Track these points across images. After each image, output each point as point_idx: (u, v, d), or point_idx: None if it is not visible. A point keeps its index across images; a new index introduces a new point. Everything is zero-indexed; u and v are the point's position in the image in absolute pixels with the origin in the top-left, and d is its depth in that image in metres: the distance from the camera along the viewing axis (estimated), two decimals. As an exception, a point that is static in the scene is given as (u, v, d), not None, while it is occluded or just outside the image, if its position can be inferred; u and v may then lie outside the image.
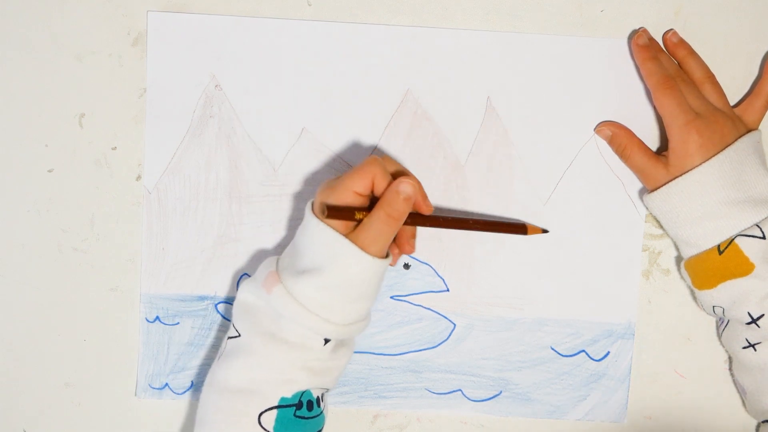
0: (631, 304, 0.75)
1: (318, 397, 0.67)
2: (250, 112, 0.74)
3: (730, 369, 0.75)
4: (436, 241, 0.74)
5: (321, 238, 0.64)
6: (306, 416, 0.66)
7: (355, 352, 0.75)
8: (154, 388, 0.75)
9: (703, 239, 0.70)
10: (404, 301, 0.75)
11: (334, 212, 0.64)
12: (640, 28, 0.73)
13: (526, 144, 0.74)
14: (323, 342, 0.65)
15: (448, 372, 0.75)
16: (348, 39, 0.73)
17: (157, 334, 0.75)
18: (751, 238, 0.68)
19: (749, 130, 0.71)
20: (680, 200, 0.69)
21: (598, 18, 0.74)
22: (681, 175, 0.69)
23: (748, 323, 0.70)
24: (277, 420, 0.65)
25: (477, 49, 0.73)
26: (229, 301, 0.74)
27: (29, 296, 0.74)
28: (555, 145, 0.74)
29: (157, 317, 0.75)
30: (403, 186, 0.64)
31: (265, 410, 0.64)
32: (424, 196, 0.67)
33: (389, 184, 0.65)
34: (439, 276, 0.75)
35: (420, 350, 0.75)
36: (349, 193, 0.64)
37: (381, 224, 0.64)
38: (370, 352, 0.75)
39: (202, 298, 0.75)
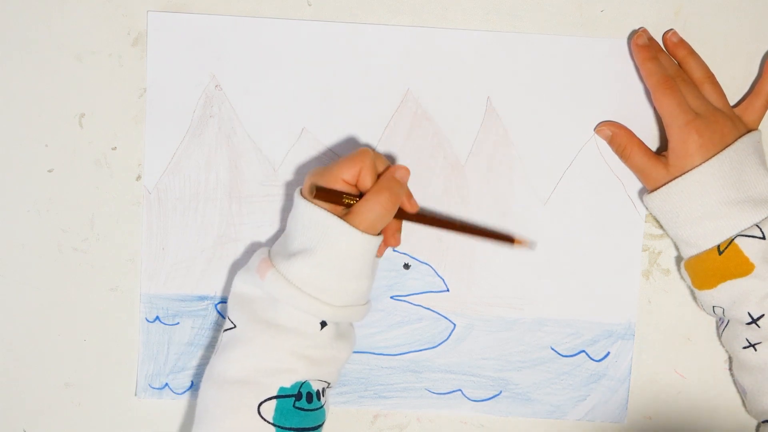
0: (631, 304, 0.75)
1: (318, 390, 0.67)
2: (250, 112, 0.74)
3: (730, 369, 0.75)
4: (436, 241, 0.74)
5: (311, 217, 0.65)
6: (305, 408, 0.66)
7: (355, 352, 0.75)
8: (154, 388, 0.75)
9: (703, 239, 0.70)
10: (404, 301, 0.75)
11: (322, 193, 0.65)
12: (640, 28, 0.73)
13: (526, 144, 0.74)
14: (319, 326, 0.65)
15: (448, 372, 0.75)
16: (348, 39, 0.73)
17: (157, 334, 0.75)
18: (751, 238, 0.68)
19: (749, 130, 0.71)
20: (680, 200, 0.69)
21: (598, 18, 0.74)
22: (681, 175, 0.69)
23: (748, 323, 0.70)
24: (277, 410, 0.65)
25: (477, 49, 0.73)
26: (229, 301, 0.75)
27: (29, 296, 0.75)
28: (555, 145, 0.74)
29: (157, 317, 0.75)
30: (400, 172, 0.67)
31: (264, 400, 0.64)
32: (410, 195, 0.69)
33: (377, 178, 0.66)
34: (439, 276, 0.75)
35: (420, 350, 0.75)
36: (338, 180, 0.66)
37: (377, 207, 0.65)
38: (370, 352, 0.75)
39: (202, 298, 0.75)
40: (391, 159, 0.74)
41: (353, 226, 0.64)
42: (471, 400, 0.75)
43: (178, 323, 0.75)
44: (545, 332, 0.75)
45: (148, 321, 0.75)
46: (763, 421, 0.72)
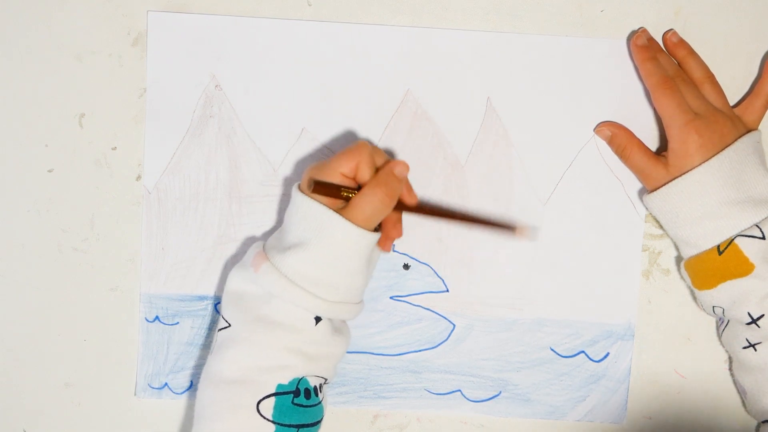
0: (631, 305, 0.75)
1: (316, 386, 0.67)
2: (250, 112, 0.74)
3: (730, 369, 0.75)
4: (436, 242, 0.74)
5: (307, 212, 0.65)
6: (304, 404, 0.66)
7: (355, 353, 0.75)
8: (153, 388, 0.75)
9: (702, 239, 0.70)
10: (404, 301, 0.75)
11: (320, 187, 0.65)
12: (639, 29, 0.73)
13: (526, 144, 0.74)
14: (314, 322, 0.65)
15: (447, 372, 0.75)
16: (348, 39, 0.73)
17: (157, 333, 0.75)
18: (750, 238, 0.68)
19: (749, 130, 0.71)
20: (680, 200, 0.69)
21: (598, 18, 0.74)
22: (681, 176, 0.69)
23: (748, 323, 0.70)
24: (276, 407, 0.64)
25: (477, 49, 0.73)
26: (228, 301, 0.75)
27: (29, 296, 0.75)
28: (555, 145, 0.74)
29: (157, 317, 0.75)
30: (399, 168, 0.66)
31: (263, 398, 0.64)
32: (409, 187, 0.69)
33: (375, 172, 0.66)
34: (438, 276, 0.75)
35: (419, 350, 0.75)
36: (336, 174, 0.66)
37: (375, 201, 0.65)
38: (370, 352, 0.75)
39: (201, 298, 0.75)
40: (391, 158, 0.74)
41: (349, 220, 0.64)
42: (470, 401, 0.75)
43: (178, 323, 0.75)
44: (545, 333, 0.75)
45: (147, 321, 0.75)
46: (763, 421, 0.72)
